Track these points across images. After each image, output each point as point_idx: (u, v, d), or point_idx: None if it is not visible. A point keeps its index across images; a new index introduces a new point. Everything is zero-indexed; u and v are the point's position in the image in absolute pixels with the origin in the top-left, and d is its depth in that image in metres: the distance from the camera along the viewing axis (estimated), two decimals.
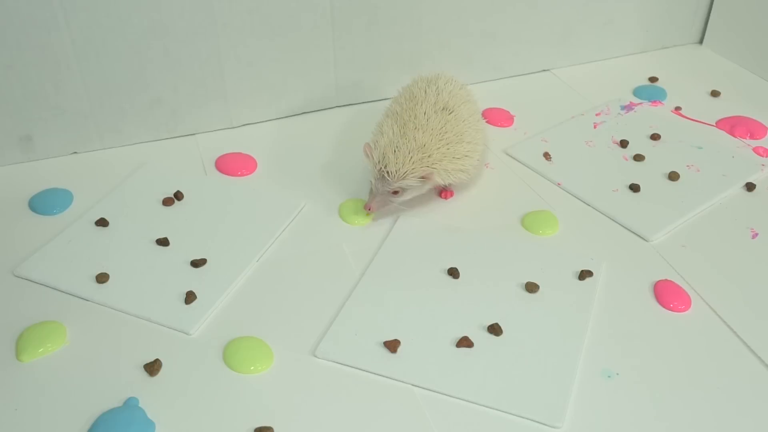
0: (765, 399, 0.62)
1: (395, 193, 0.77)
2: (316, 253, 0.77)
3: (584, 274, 0.73)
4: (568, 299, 0.71)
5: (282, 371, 0.64)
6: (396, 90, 0.86)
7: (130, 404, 0.60)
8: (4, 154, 0.88)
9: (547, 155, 0.90)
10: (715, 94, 1.05)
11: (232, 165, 0.88)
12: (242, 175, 0.88)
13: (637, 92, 1.05)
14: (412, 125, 0.77)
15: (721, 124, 0.98)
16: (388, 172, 0.75)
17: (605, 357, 0.66)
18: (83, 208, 0.81)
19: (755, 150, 0.92)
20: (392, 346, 0.65)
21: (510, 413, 0.61)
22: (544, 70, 1.10)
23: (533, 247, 0.77)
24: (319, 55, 0.95)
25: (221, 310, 0.70)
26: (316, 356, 0.65)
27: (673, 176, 0.86)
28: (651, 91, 1.05)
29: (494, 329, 0.67)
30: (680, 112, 1.01)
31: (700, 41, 1.18)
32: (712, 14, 1.15)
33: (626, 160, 0.90)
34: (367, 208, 0.78)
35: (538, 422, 0.60)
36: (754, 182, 0.86)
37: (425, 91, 0.81)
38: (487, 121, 0.94)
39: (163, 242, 0.76)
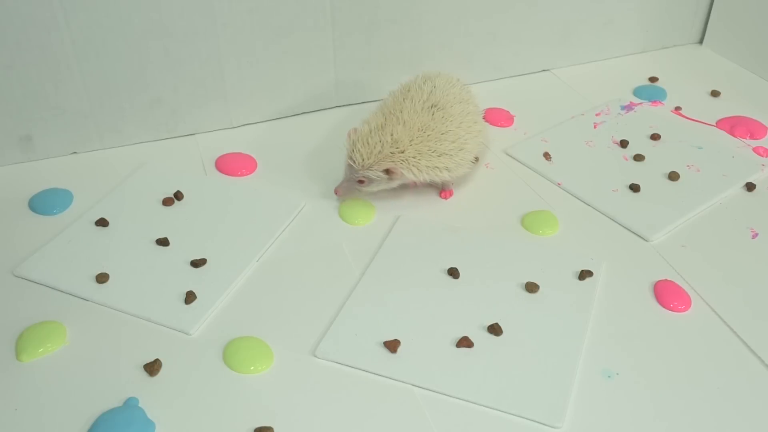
0: (765, 399, 0.62)
1: (360, 182, 0.79)
2: (316, 253, 0.77)
3: (584, 274, 0.73)
4: (568, 299, 0.71)
5: (282, 371, 0.64)
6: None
7: (130, 404, 0.60)
8: (4, 154, 0.88)
9: (547, 155, 0.90)
10: (715, 94, 1.05)
11: (232, 165, 0.88)
12: (242, 175, 0.88)
13: (637, 92, 1.05)
14: (395, 119, 0.78)
15: (721, 124, 0.98)
16: (354, 161, 0.77)
17: (605, 357, 0.66)
18: (83, 208, 0.81)
19: (755, 150, 0.92)
20: (392, 346, 0.65)
21: (510, 413, 0.61)
22: (544, 70, 1.10)
23: (533, 247, 0.77)
24: (319, 55, 0.95)
25: (221, 310, 0.70)
26: (316, 356, 0.65)
27: (673, 176, 0.86)
28: (651, 91, 1.05)
29: (494, 329, 0.67)
30: (680, 112, 1.00)
31: (700, 41, 1.18)
32: (712, 14, 1.14)
33: (626, 160, 0.90)
34: (336, 192, 0.80)
35: (538, 422, 0.60)
36: (754, 182, 0.86)
37: (420, 88, 0.82)
38: (487, 122, 0.94)
39: (163, 242, 0.76)
